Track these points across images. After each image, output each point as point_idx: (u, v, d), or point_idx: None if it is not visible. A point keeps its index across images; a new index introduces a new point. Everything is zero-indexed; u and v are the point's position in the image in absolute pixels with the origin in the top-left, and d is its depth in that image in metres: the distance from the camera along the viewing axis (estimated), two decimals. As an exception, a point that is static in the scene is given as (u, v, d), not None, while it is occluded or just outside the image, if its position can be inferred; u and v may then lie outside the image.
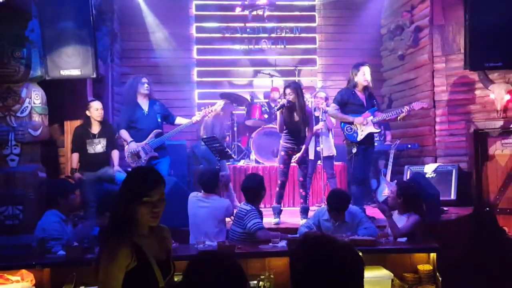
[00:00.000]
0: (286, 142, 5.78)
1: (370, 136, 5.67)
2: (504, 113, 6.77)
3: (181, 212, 4.94)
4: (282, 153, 5.80)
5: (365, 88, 5.72)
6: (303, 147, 5.77)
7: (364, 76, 5.64)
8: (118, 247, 2.10)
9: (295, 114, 5.70)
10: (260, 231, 4.39)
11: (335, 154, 7.11)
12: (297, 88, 5.78)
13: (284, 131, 5.81)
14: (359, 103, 5.68)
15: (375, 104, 5.80)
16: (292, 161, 5.82)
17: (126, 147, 5.92)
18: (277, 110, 5.74)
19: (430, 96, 7.51)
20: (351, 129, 5.65)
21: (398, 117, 5.68)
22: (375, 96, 5.95)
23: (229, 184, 6.67)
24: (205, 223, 4.74)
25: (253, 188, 4.66)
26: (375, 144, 6.05)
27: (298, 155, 5.74)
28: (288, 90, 5.70)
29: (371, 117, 5.61)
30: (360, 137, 5.59)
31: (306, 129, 5.79)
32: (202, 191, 4.90)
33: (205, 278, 1.61)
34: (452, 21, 7.21)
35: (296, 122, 5.72)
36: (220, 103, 6.24)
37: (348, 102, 5.69)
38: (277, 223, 5.74)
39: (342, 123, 5.74)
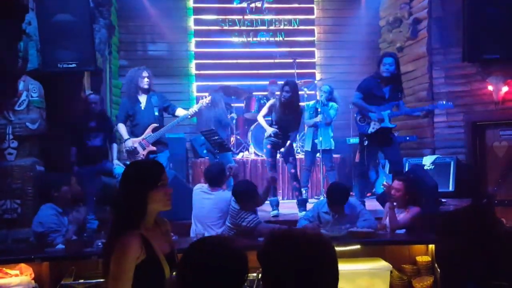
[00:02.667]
0: (272, 136, 5.82)
1: (385, 130, 5.47)
2: (502, 105, 6.77)
3: (180, 205, 4.92)
4: (268, 146, 5.87)
5: (390, 80, 5.47)
6: (288, 142, 5.82)
7: (384, 67, 5.38)
8: (130, 239, 2.12)
9: (287, 111, 5.73)
10: (260, 225, 4.36)
11: (333, 148, 7.12)
12: (295, 86, 5.84)
13: (269, 124, 5.87)
14: (380, 95, 5.47)
15: (399, 98, 5.54)
16: (278, 156, 5.89)
17: (123, 144, 5.90)
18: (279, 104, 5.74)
19: (428, 88, 7.50)
20: (364, 120, 5.49)
21: (421, 114, 5.52)
22: (402, 88, 5.61)
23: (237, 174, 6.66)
24: (209, 215, 4.77)
25: (244, 196, 4.49)
26: (392, 137, 5.69)
27: (282, 150, 5.82)
28: (286, 88, 5.70)
29: (388, 111, 5.43)
30: (371, 130, 5.45)
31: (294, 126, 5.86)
32: (207, 184, 4.92)
33: (205, 258, 1.61)
34: (451, 14, 7.19)
35: (287, 119, 5.76)
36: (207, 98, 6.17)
37: (370, 92, 5.47)
38: (276, 215, 5.76)
39: (356, 113, 5.64)
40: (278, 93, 7.07)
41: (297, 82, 6.82)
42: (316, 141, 6.83)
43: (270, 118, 5.97)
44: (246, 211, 4.41)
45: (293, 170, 5.87)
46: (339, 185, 4.85)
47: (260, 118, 5.98)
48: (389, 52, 5.76)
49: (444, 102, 5.76)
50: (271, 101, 6.00)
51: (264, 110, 5.97)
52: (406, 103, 7.43)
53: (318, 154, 6.95)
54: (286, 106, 5.71)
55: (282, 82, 5.91)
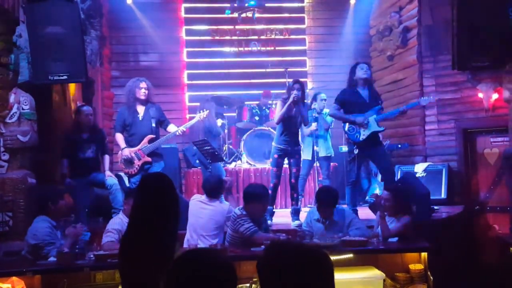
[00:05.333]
0: (280, 144, 5.78)
1: (374, 135, 5.55)
2: (492, 112, 6.83)
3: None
4: (276, 155, 5.79)
5: (367, 86, 5.64)
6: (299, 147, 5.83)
7: (362, 70, 5.59)
8: None
9: (294, 110, 5.70)
10: (257, 234, 4.33)
11: (333, 155, 7.11)
12: (304, 86, 5.86)
13: (280, 133, 5.81)
14: (361, 101, 5.57)
15: (380, 103, 5.71)
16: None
17: (119, 152, 5.89)
18: (291, 101, 5.59)
19: (419, 96, 7.54)
20: (354, 128, 5.53)
21: (402, 112, 5.65)
22: (379, 94, 5.83)
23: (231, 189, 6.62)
24: (206, 225, 4.77)
25: (252, 197, 4.49)
26: (382, 142, 5.83)
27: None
28: (297, 85, 5.70)
29: (374, 116, 5.51)
30: (362, 137, 5.49)
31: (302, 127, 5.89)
32: (205, 195, 4.92)
33: (192, 269, 1.60)
34: (440, 22, 7.26)
35: (295, 120, 5.74)
36: (204, 113, 6.15)
37: (350, 101, 5.58)
38: (269, 225, 5.74)
39: (344, 124, 5.67)
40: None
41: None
42: (316, 149, 6.82)
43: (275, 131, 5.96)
44: (244, 218, 4.38)
45: (293, 181, 5.86)
46: (328, 188, 4.94)
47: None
48: (357, 62, 5.91)
49: (418, 100, 6.01)
50: (279, 103, 5.84)
51: (279, 113, 5.75)
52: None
53: (316, 163, 6.94)
54: (296, 104, 5.67)
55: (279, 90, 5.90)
